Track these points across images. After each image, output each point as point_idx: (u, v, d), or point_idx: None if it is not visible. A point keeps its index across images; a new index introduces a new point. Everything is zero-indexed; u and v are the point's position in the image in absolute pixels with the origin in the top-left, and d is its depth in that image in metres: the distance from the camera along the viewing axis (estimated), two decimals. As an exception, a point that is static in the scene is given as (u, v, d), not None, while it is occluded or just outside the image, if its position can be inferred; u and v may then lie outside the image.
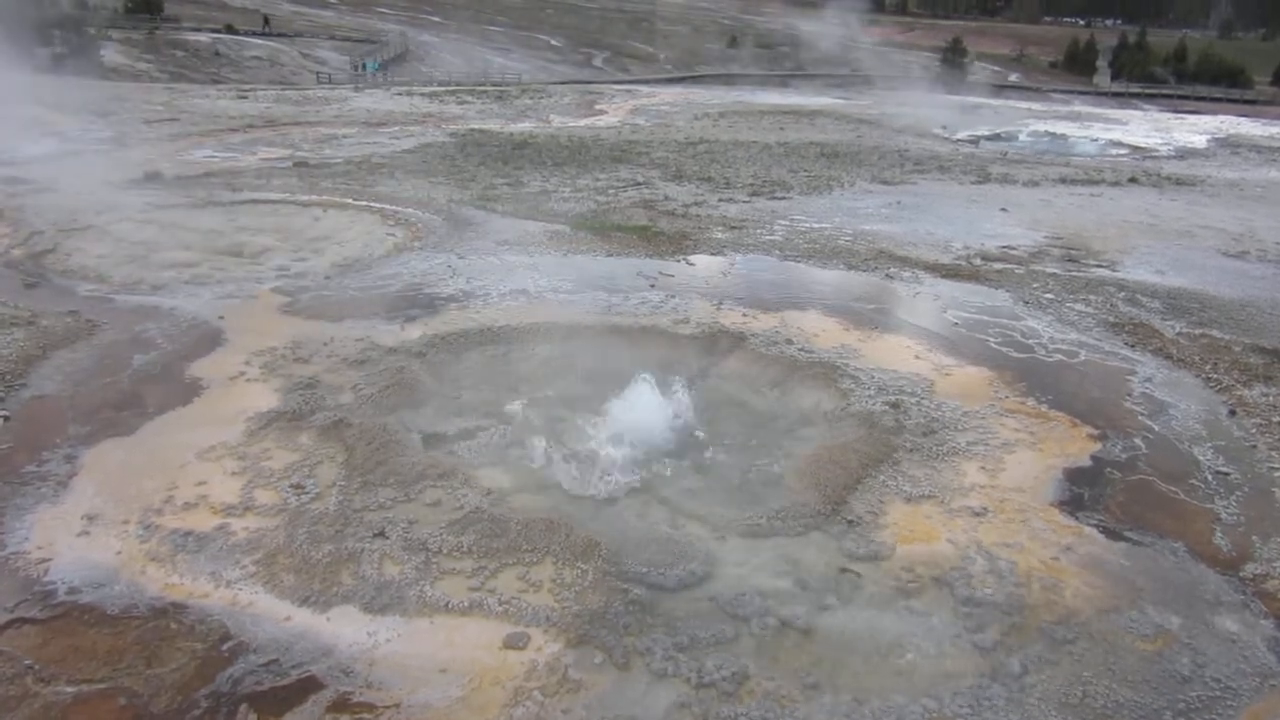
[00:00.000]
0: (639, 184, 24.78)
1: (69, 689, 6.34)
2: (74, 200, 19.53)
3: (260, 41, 66.05)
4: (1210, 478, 9.82)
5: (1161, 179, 28.50)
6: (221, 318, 13.21)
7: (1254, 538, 8.74)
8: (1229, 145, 38.41)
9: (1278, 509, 9.28)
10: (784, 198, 23.47)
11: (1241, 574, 8.19)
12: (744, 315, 13.98)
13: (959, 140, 37.34)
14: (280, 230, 18.13)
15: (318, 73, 58.54)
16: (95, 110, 33.01)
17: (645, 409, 11.28)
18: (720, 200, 22.91)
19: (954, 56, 72.57)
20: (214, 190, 21.32)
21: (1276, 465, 10.14)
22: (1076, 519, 8.91)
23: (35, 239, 16.74)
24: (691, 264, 16.82)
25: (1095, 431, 10.69)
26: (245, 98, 40.02)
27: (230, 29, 68.40)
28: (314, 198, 20.76)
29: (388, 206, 20.19)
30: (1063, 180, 27.47)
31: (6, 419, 10.07)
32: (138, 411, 10.38)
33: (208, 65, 59.14)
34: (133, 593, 7.32)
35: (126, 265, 15.65)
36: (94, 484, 8.86)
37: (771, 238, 19.07)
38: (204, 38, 64.66)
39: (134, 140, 28.11)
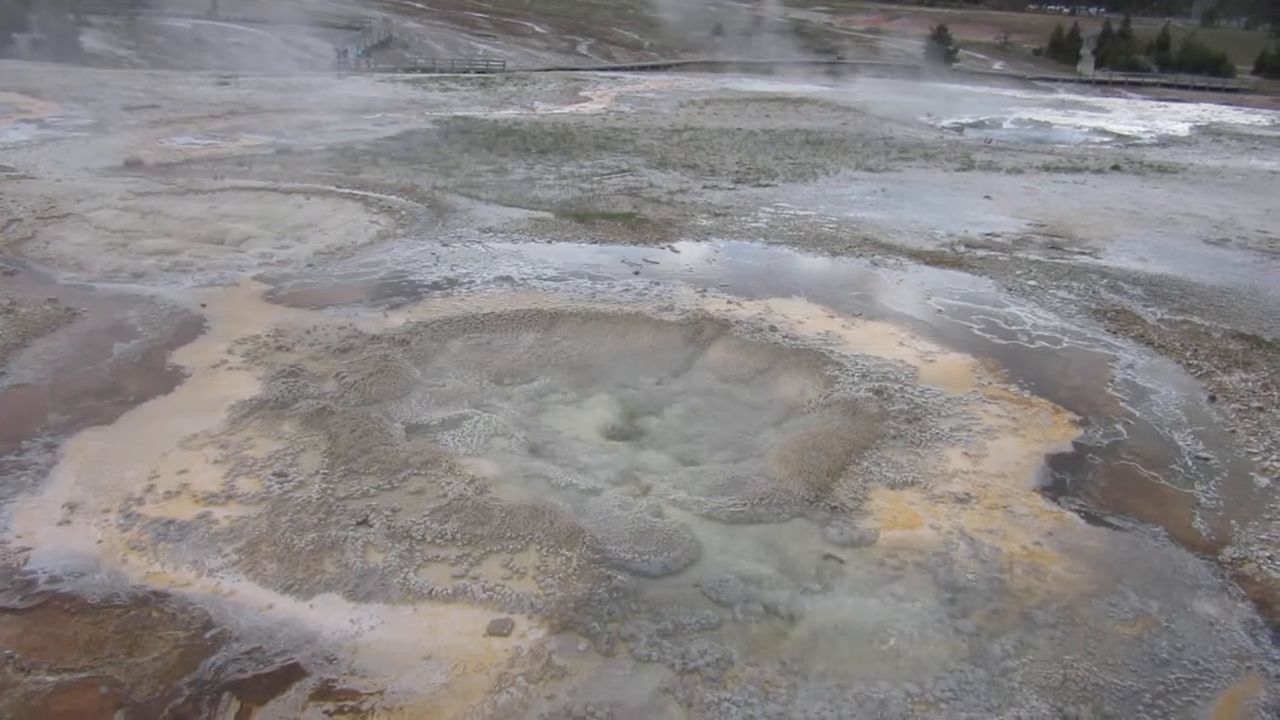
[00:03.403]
0: (623, 171, 24.72)
1: (50, 678, 6.31)
2: (53, 187, 19.34)
3: (242, 28, 65.40)
4: (1190, 463, 9.91)
5: (1144, 166, 28.65)
6: (203, 305, 13.12)
7: (1232, 522, 8.83)
8: (1211, 133, 38.64)
9: (1256, 494, 9.38)
10: (769, 185, 23.46)
11: (1220, 558, 8.28)
12: (728, 302, 13.97)
13: (943, 128, 37.41)
14: (262, 218, 18.00)
15: (300, 58, 58.03)
16: (75, 96, 32.64)
17: (630, 396, 11.30)
18: (705, 187, 22.89)
19: (938, 44, 72.61)
20: (195, 177, 21.13)
21: (1255, 450, 10.23)
22: (1058, 504, 8.97)
23: (13, 226, 16.56)
24: (676, 251, 16.80)
25: (1077, 417, 10.76)
26: (227, 84, 39.64)
27: (211, 14, 67.76)
28: (296, 185, 20.60)
29: (371, 194, 20.06)
30: (1046, 168, 27.57)
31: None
32: (119, 400, 10.31)
33: (189, 51, 58.49)
34: (114, 582, 7.28)
35: (106, 253, 15.52)
36: (75, 473, 8.79)
37: (756, 225, 19.06)
38: (185, 23, 63.97)
39: (114, 127, 27.82)
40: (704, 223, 19.08)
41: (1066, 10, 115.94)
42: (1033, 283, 15.72)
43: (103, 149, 24.10)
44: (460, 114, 34.49)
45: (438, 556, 7.82)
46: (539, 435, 10.20)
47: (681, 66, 66.80)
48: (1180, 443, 10.35)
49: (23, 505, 8.26)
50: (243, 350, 11.69)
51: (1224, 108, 50.40)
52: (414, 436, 9.94)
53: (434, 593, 7.36)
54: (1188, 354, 12.89)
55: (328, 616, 7.04)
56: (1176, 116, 44.57)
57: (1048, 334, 13.36)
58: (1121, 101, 53.10)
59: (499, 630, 6.96)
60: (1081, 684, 6.65)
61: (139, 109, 31.31)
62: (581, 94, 43.56)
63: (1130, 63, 76.09)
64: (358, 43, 63.23)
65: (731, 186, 23.13)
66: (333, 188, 20.49)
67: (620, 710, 6.27)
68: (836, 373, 11.65)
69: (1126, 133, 38.50)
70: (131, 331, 12.17)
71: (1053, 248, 18.30)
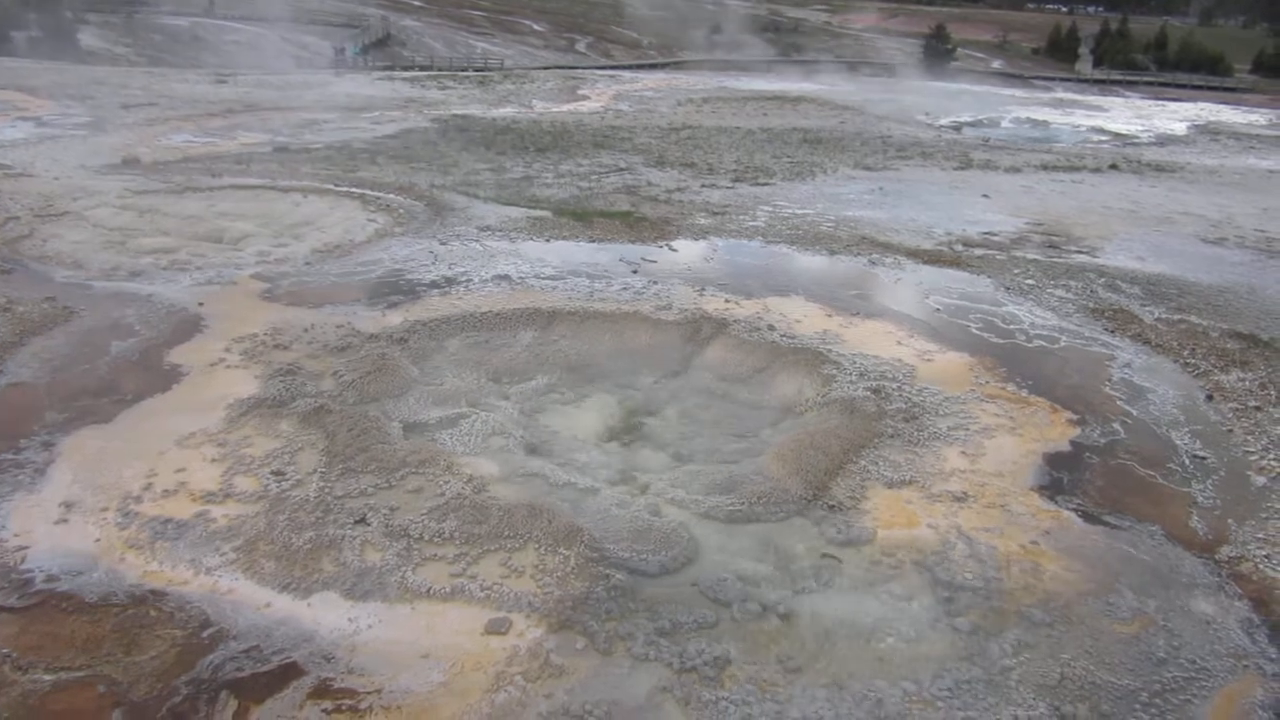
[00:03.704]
0: (622, 169, 24.71)
1: (47, 677, 6.30)
2: (50, 185, 19.31)
3: (240, 25, 65.30)
4: (1187, 462, 9.92)
5: (1142, 165, 28.66)
6: (201, 304, 13.10)
7: (1229, 521, 8.84)
8: (1208, 132, 38.67)
9: (1253, 493, 9.39)
10: (767, 184, 23.46)
11: (1217, 557, 8.29)
12: (726, 301, 13.97)
13: (941, 127, 37.40)
14: (260, 216, 17.97)
15: (298, 56, 57.97)
16: (72, 94, 32.60)
17: (628, 395, 11.29)
18: (703, 186, 22.88)
19: (937, 43, 72.61)
20: (193, 176, 21.10)
21: (1252, 449, 10.25)
22: (1055, 503, 8.98)
23: (11, 225, 16.53)
24: (674, 250, 16.80)
25: (1075, 416, 10.77)
26: (224, 82, 39.58)
27: (209, 12, 67.66)
28: (294, 183, 20.58)
29: (369, 192, 20.05)
30: (1044, 167, 27.58)
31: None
32: (116, 398, 10.30)
33: (187, 49, 58.39)
34: (111, 580, 7.27)
35: (104, 251, 15.49)
36: (72, 471, 8.78)
37: (754, 224, 19.07)
38: (183, 21, 63.88)
39: (112, 125, 27.77)
40: (702, 221, 19.08)
41: (1065, 9, 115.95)
42: (1030, 282, 15.73)
43: (100, 147, 24.08)
44: (458, 112, 34.48)
45: (435, 555, 7.82)
46: (537, 434, 10.19)
47: (679, 65, 66.78)
48: (1177, 442, 10.36)
49: (20, 504, 8.26)
50: (240, 349, 11.68)
51: (1221, 107, 50.43)
52: (412, 435, 9.94)
53: (432, 591, 7.36)
54: (1185, 353, 12.90)
55: (325, 615, 7.04)
56: (1174, 115, 44.61)
57: (1045, 333, 13.37)
58: (1119, 100, 53.13)
59: (497, 629, 6.96)
60: (1079, 683, 6.66)
61: (136, 107, 31.26)
62: (580, 92, 43.55)
63: (1128, 62, 76.20)
64: (355, 41, 63.18)
65: (730, 185, 23.13)
66: (330, 186, 20.47)
67: (618, 709, 6.27)
68: (834, 372, 11.65)
69: (1124, 132, 38.52)
70: (129, 330, 12.16)
71: (1050, 247, 18.32)
